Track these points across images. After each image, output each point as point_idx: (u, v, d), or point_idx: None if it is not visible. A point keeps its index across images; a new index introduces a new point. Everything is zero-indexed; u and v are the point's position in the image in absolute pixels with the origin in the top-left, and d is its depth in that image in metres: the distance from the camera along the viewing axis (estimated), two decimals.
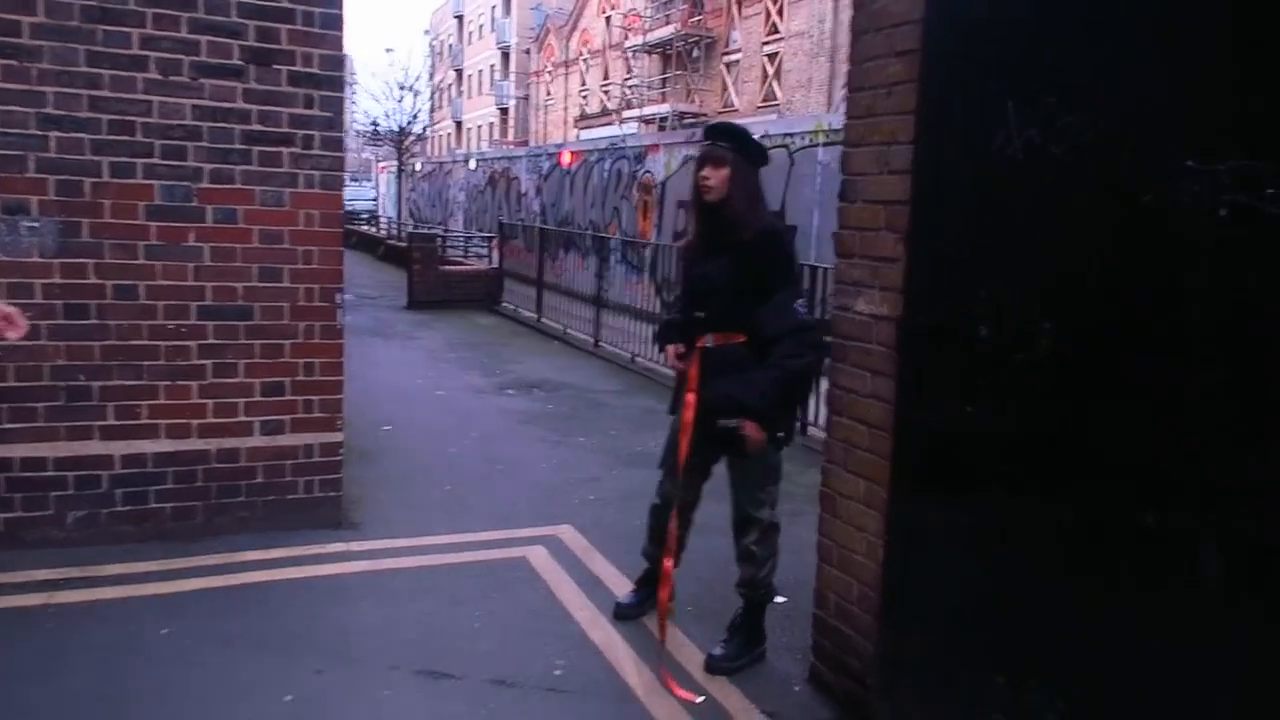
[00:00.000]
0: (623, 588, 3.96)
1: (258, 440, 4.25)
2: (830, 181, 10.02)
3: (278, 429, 4.28)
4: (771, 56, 27.52)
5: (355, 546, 4.26)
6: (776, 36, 27.08)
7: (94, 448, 4.01)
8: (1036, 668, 2.32)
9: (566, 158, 17.25)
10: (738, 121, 22.16)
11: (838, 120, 10.08)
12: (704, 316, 3.18)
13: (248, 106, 4.02)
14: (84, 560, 3.89)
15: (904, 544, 2.76)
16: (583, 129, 37.91)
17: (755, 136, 3.31)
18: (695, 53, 31.19)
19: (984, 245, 2.43)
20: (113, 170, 3.88)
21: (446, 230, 22.17)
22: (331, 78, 4.13)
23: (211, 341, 4.11)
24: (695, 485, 3.41)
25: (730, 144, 3.14)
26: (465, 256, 17.10)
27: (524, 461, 5.84)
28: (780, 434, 3.18)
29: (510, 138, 48.24)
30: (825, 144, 10.08)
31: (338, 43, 4.13)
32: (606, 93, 37.85)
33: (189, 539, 4.16)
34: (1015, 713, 2.36)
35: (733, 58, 29.66)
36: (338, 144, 4.21)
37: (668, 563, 3.35)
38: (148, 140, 3.90)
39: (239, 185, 4.06)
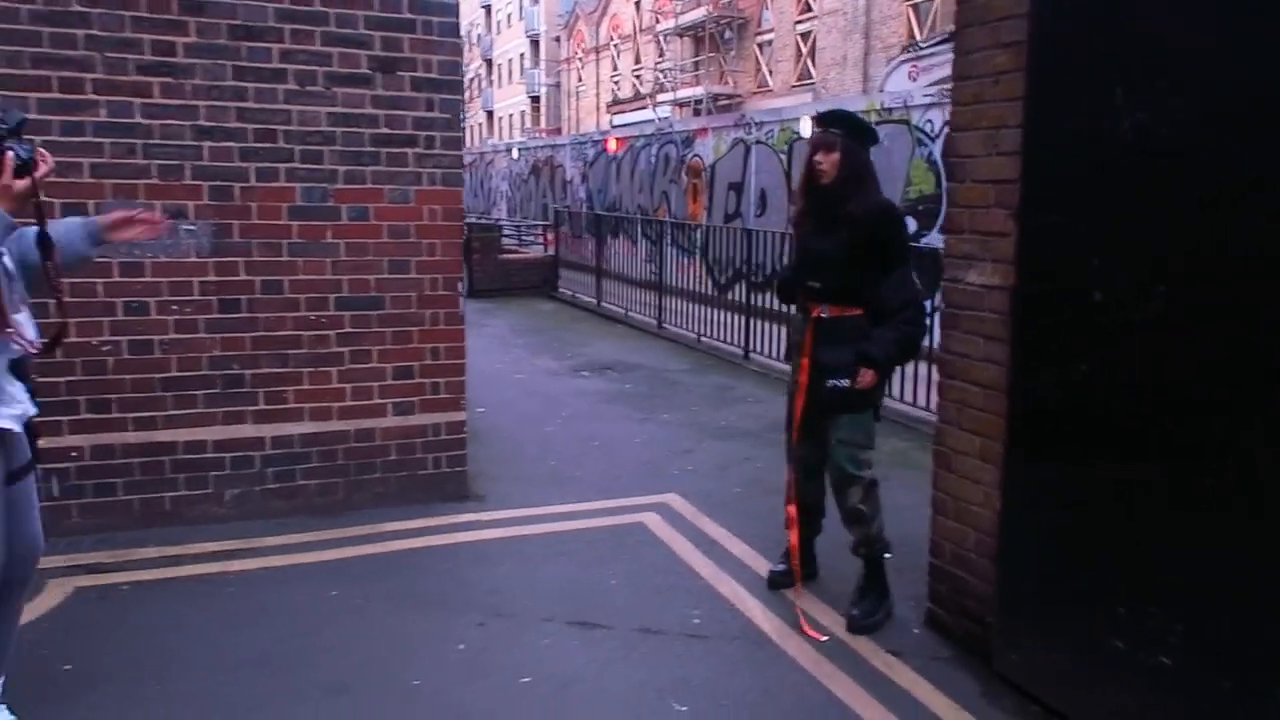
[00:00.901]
0: (735, 547, 4.28)
1: (391, 420, 4.60)
2: (883, 159, 10.22)
3: (408, 410, 4.63)
4: (805, 35, 27.51)
5: (484, 516, 4.60)
6: (809, 15, 27.07)
7: (247, 430, 4.38)
8: (1156, 597, 2.59)
9: (613, 144, 17.51)
10: (773, 101, 22.24)
11: (889, 99, 10.29)
12: (819, 287, 3.44)
13: (376, 112, 4.35)
14: (243, 534, 4.27)
15: (1023, 492, 3.03)
16: (615, 114, 38.09)
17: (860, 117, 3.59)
18: (727, 34, 31.23)
19: (1097, 218, 2.69)
20: (259, 175, 4.22)
21: (496, 219, 22.53)
22: (450, 81, 4.45)
23: (348, 330, 4.46)
24: (816, 446, 3.64)
25: (840, 129, 3.39)
26: (520, 245, 17.43)
27: (616, 438, 6.16)
28: (877, 403, 3.49)
29: (542, 126, 48.52)
30: (878, 123, 10.24)
31: (455, 49, 4.44)
32: (638, 77, 37.97)
33: (332, 513, 4.52)
34: (1137, 638, 2.63)
35: (765, 38, 29.67)
36: (457, 143, 4.53)
37: (790, 509, 3.65)
38: (289, 146, 4.25)
39: (370, 185, 4.39)
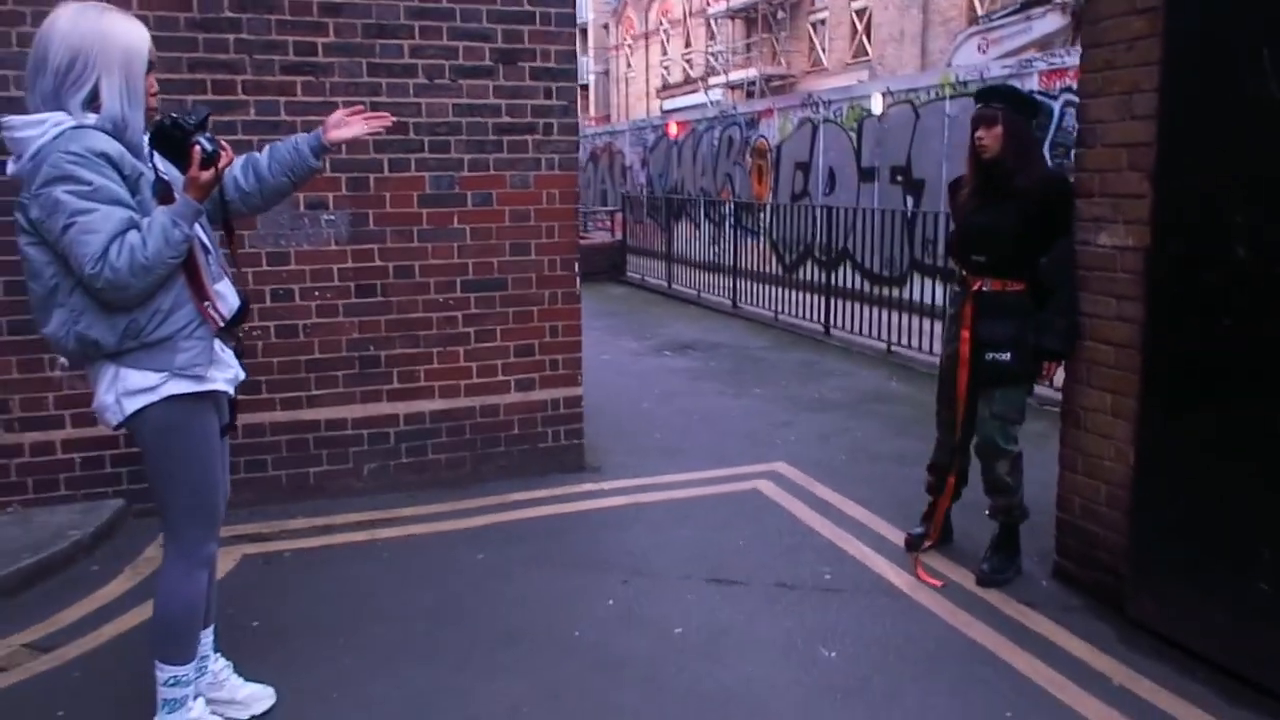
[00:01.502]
0: (851, 510, 4.44)
1: (514, 396, 4.83)
2: (959, 134, 10.24)
3: (530, 386, 4.85)
4: (860, 12, 27.24)
5: (604, 485, 4.81)
6: None
7: (383, 408, 4.63)
8: None
9: (674, 128, 17.63)
10: (828, 80, 22.04)
11: (965, 72, 10.27)
12: (984, 261, 3.49)
13: (498, 101, 4.56)
14: (381, 506, 4.53)
15: (1160, 445, 3.14)
16: (666, 99, 38.09)
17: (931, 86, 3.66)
18: (780, 14, 31.04)
19: (1241, 178, 2.78)
20: (391, 166, 4.46)
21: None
22: (567, 70, 4.64)
23: (474, 311, 4.69)
24: (969, 417, 3.67)
25: (1001, 103, 3.43)
26: (585, 230, 17.65)
27: (714, 412, 6.33)
28: (1032, 379, 3.58)
29: (592, 114, 48.66)
30: (952, 97, 10.25)
31: (571, 39, 4.63)
32: (689, 61, 37.91)
33: (460, 485, 4.76)
34: None
35: (819, 16, 29.44)
36: (573, 129, 4.72)
37: (951, 480, 3.80)
38: (418, 138, 4.47)
39: (493, 172, 4.61)
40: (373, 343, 4.56)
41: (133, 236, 2.26)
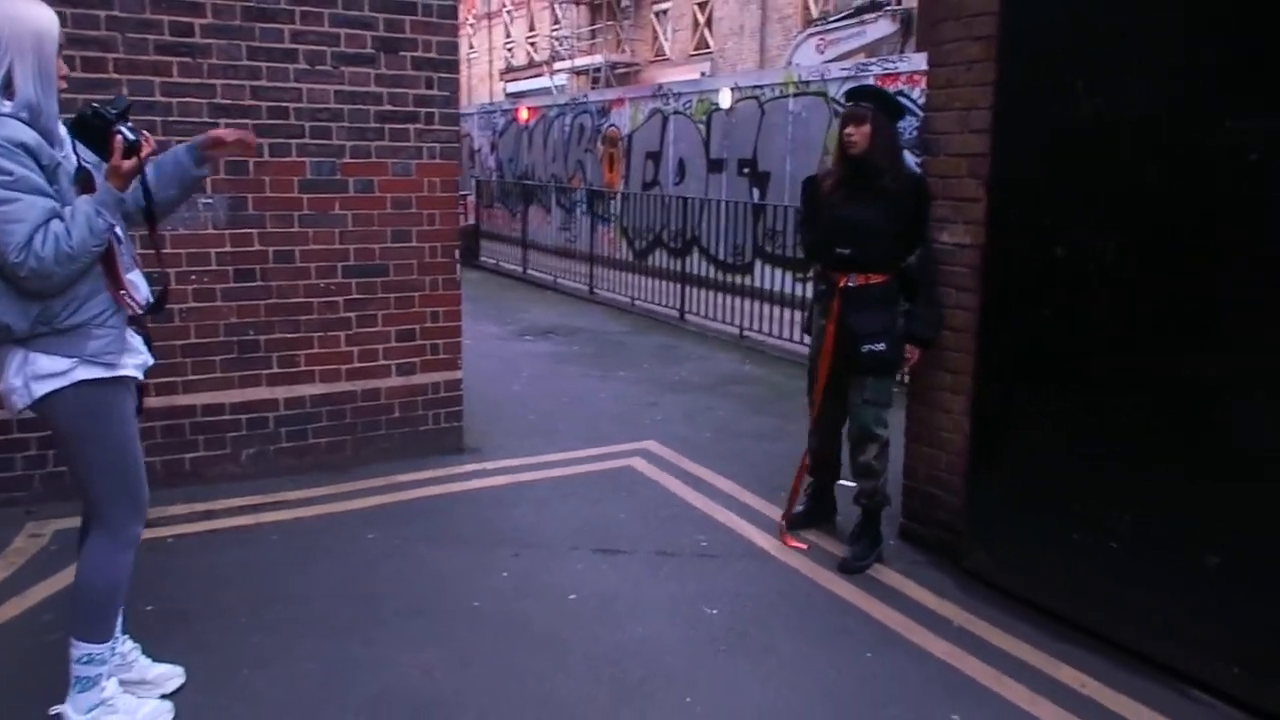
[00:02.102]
0: (719, 483, 4.80)
1: (395, 380, 4.92)
2: (801, 130, 10.87)
3: (411, 370, 4.95)
4: (702, 5, 27.98)
5: (487, 465, 4.98)
6: None
7: (262, 393, 4.62)
8: (1106, 494, 3.20)
9: (524, 114, 17.66)
10: (672, 70, 22.53)
11: (806, 72, 10.88)
12: (849, 254, 3.69)
13: (380, 89, 4.62)
14: (263, 490, 4.53)
15: (991, 418, 3.62)
16: (509, 82, 37.82)
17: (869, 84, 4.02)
18: (624, 2, 31.43)
19: (1060, 186, 3.26)
20: (272, 150, 4.45)
21: None
22: (448, 61, 4.75)
23: (355, 296, 4.74)
24: (837, 406, 3.94)
25: (870, 103, 3.67)
26: None
27: (583, 394, 6.58)
28: (899, 368, 3.87)
29: None
30: (795, 95, 10.84)
31: (453, 30, 4.74)
32: (533, 45, 37.77)
33: (341, 469, 4.81)
34: (1092, 529, 3.25)
35: (662, 6, 30.00)
36: (454, 119, 4.83)
37: (805, 459, 4.12)
38: (299, 123, 4.48)
39: (375, 159, 4.67)
40: (252, 327, 4.55)
41: (56, 225, 2.30)
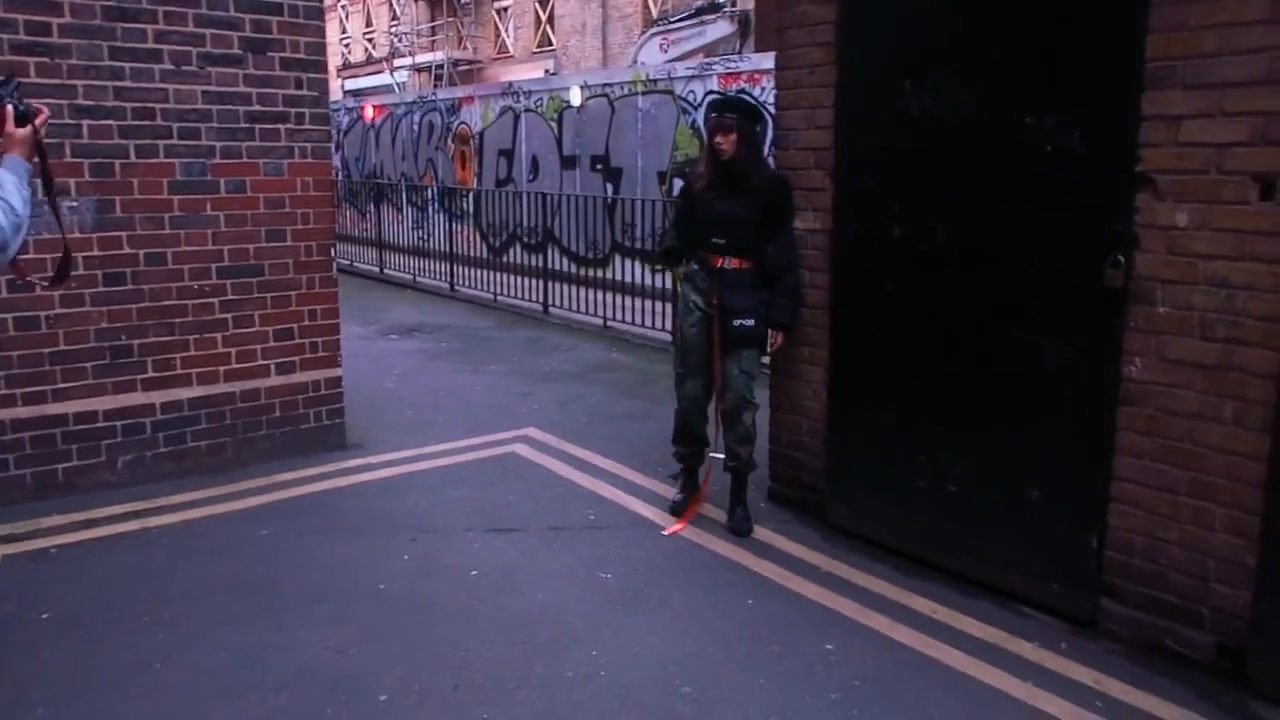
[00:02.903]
0: (599, 462, 5.06)
1: (274, 380, 4.94)
2: (651, 126, 11.26)
3: (290, 369, 4.98)
4: (544, 2, 28.14)
5: (372, 460, 5.08)
6: None
7: (137, 398, 4.57)
8: (946, 445, 3.66)
9: (370, 111, 17.38)
10: (515, 68, 22.61)
11: (654, 71, 11.29)
12: (724, 243, 4.02)
13: (248, 90, 4.64)
14: (143, 496, 4.49)
15: (844, 386, 4.04)
16: (348, 79, 36.83)
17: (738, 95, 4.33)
18: None
19: (894, 175, 3.70)
20: (138, 152, 4.41)
21: None
22: (316, 61, 4.81)
23: (230, 297, 4.75)
24: (706, 382, 4.21)
25: (735, 114, 3.99)
26: None
27: (457, 387, 6.72)
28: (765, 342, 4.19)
29: None
30: (644, 93, 11.22)
31: (320, 31, 4.80)
32: (371, 41, 36.92)
33: (223, 471, 4.81)
34: (934, 476, 3.70)
35: (503, 4, 29.98)
36: (325, 119, 4.90)
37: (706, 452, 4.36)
38: (167, 124, 4.45)
39: (245, 159, 4.68)
40: (124, 331, 4.49)
41: None
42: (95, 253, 4.37)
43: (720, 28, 13.16)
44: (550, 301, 9.76)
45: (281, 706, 2.84)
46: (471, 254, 12.04)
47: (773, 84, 9.60)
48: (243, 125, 4.65)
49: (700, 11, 13.65)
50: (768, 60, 9.81)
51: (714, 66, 10.50)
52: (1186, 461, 2.99)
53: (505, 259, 12.26)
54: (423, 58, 32.05)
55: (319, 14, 4.78)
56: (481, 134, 14.24)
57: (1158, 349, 3.01)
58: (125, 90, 4.34)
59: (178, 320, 4.62)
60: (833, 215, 3.99)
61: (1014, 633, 3.30)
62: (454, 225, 12.40)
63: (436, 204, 13.97)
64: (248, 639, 3.21)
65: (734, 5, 14.31)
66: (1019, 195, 3.33)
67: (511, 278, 10.56)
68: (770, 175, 4.15)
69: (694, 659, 3.13)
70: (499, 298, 10.48)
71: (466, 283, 11.23)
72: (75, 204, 4.29)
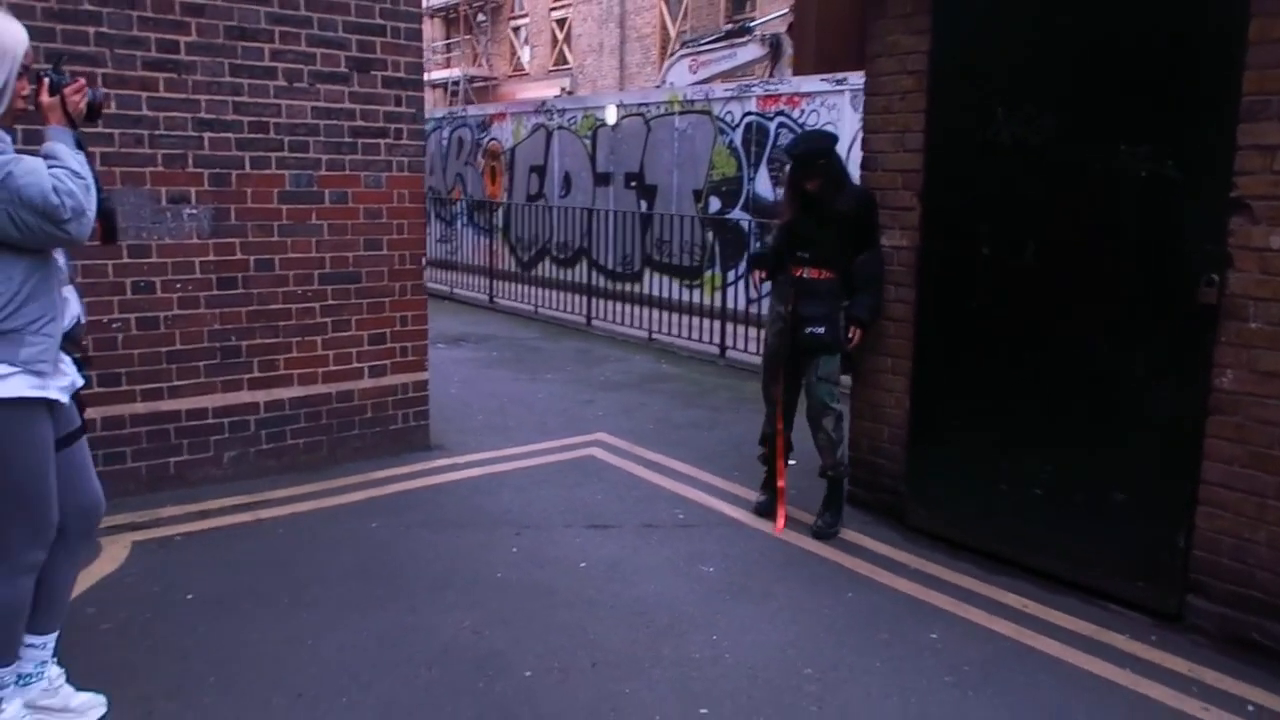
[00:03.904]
0: (676, 466, 5.28)
1: (367, 382, 5.16)
2: (687, 146, 11.54)
3: (382, 372, 5.20)
4: (560, 22, 28.53)
5: (457, 460, 5.29)
6: (564, 3, 28.10)
7: (244, 397, 4.79)
8: (1030, 451, 3.88)
9: None
10: (532, 86, 22.93)
11: (692, 92, 11.57)
12: (808, 256, 4.28)
13: (353, 106, 4.88)
14: (249, 490, 4.70)
15: (928, 395, 4.26)
16: None
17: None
18: (481, 16, 31.60)
19: (984, 196, 3.93)
20: (253, 163, 4.64)
21: None
22: (415, 80, 5.05)
23: (330, 302, 4.97)
24: (791, 389, 4.48)
25: (821, 159, 4.22)
26: None
27: (519, 395, 6.94)
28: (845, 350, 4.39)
29: None
30: (681, 113, 11.50)
31: (418, 52, 5.05)
32: None
33: (317, 468, 5.02)
34: (1017, 479, 3.92)
35: (520, 22, 30.39)
36: (420, 134, 5.14)
37: (780, 449, 4.55)
38: (279, 137, 4.69)
39: (348, 172, 4.92)
40: (234, 333, 4.71)
41: (56, 168, 2.36)
42: (211, 258, 4.60)
43: (751, 50, 13.45)
44: (594, 314, 9.98)
45: (435, 680, 3.04)
46: (499, 268, 12.28)
47: (811, 106, 9.87)
48: (346, 139, 4.89)
49: (731, 34, 13.95)
50: (807, 84, 10.13)
51: (753, 88, 10.78)
52: (1274, 467, 3.21)
53: (535, 273, 12.55)
54: (438, 74, 32.40)
55: (417, 35, 5.03)
56: (513, 150, 14.51)
57: (1249, 362, 3.24)
58: (243, 105, 4.57)
59: (282, 323, 4.84)
60: (920, 233, 4.22)
61: (1104, 625, 3.51)
62: (491, 239, 12.65)
63: (463, 218, 14.25)
64: (387, 621, 3.42)
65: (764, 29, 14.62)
66: (1110, 217, 3.57)
67: (549, 290, 10.80)
68: (854, 194, 4.36)
69: (809, 644, 3.34)
70: (540, 310, 10.70)
71: (506, 295, 11.46)
72: (194, 211, 4.52)
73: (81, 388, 2.69)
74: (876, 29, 4.35)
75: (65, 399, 2.54)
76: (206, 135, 4.50)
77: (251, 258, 4.71)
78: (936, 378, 4.25)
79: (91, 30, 4.17)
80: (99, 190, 2.50)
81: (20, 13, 3.91)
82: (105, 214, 2.60)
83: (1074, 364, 3.71)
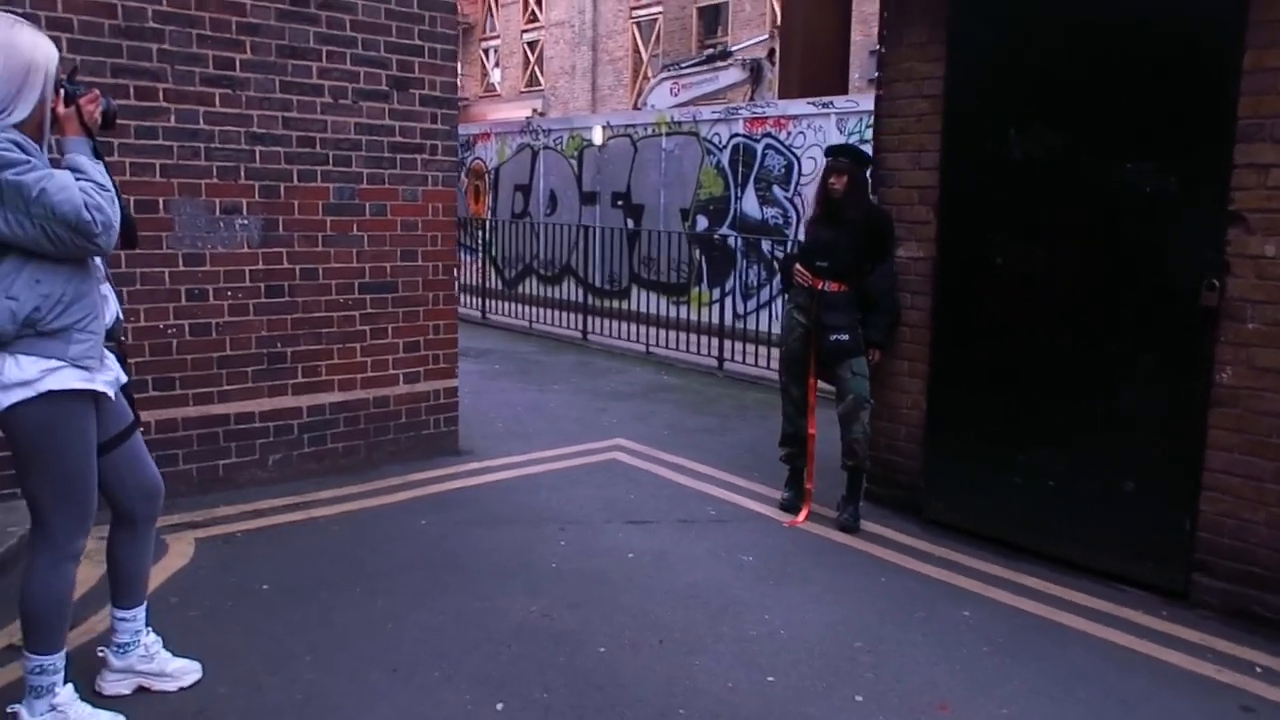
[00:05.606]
0: (698, 467, 5.53)
1: (402, 388, 5.36)
2: (674, 165, 11.87)
3: (416, 378, 5.41)
4: (532, 44, 28.88)
5: (488, 463, 5.50)
6: (536, 25, 28.46)
7: (288, 401, 4.96)
8: (1043, 446, 4.20)
9: None
10: (503, 107, 23.17)
11: (680, 114, 11.91)
12: (826, 266, 4.58)
13: (393, 123, 5.11)
14: (294, 491, 4.87)
15: (944, 396, 4.58)
16: None
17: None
18: None
19: (996, 209, 4.27)
20: (300, 176, 4.84)
21: None
22: (450, 99, 5.30)
23: (369, 311, 5.17)
24: (807, 391, 4.76)
25: (847, 159, 4.60)
26: None
27: (532, 404, 7.15)
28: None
29: None
30: (668, 134, 11.83)
31: (453, 72, 5.30)
32: None
33: (356, 471, 5.20)
34: (1031, 472, 4.24)
35: (492, 43, 30.69)
36: (453, 151, 5.38)
37: (811, 452, 4.84)
38: (324, 151, 4.90)
39: (388, 185, 5.14)
40: (280, 340, 4.89)
41: (82, 181, 2.43)
42: (260, 267, 4.79)
43: (732, 74, 13.85)
44: (589, 329, 10.23)
45: (518, 655, 3.26)
46: (486, 285, 12.48)
47: (797, 129, 10.24)
48: (386, 154, 5.11)
49: (712, 58, 14.35)
50: (794, 106, 10.53)
51: (740, 111, 11.15)
52: (1272, 454, 3.56)
53: (518, 290, 12.79)
54: None
55: (453, 56, 5.28)
56: (497, 169, 14.75)
57: (1247, 359, 3.59)
58: (292, 120, 4.78)
59: (324, 330, 5.03)
60: (935, 245, 4.55)
61: (1119, 603, 3.83)
62: (482, 256, 12.85)
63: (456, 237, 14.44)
64: (459, 606, 3.62)
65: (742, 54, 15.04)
66: (1116, 228, 3.91)
67: (543, 306, 11.05)
68: (869, 209, 4.67)
69: (854, 621, 3.61)
70: (535, 325, 10.92)
71: (498, 311, 11.67)
72: (245, 222, 4.71)
73: (125, 383, 2.80)
74: (893, 56, 4.69)
75: (112, 393, 2.66)
76: (258, 149, 4.70)
77: (297, 267, 4.90)
78: (952, 379, 4.57)
79: (154, 47, 4.37)
80: (120, 198, 2.57)
81: (88, 29, 4.16)
82: (126, 222, 2.65)
83: (1082, 364, 4.04)
